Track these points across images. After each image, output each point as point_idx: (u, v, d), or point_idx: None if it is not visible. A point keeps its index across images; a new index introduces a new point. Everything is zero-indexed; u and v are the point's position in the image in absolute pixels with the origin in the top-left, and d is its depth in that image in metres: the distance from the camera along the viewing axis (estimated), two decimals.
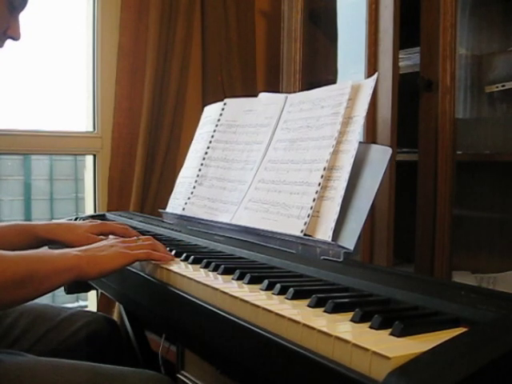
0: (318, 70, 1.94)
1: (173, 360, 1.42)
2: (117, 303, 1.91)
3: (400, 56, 1.44)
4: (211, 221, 1.20)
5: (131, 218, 1.48)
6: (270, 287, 0.74)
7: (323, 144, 1.02)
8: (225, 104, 1.35)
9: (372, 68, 1.40)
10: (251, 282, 0.77)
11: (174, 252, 0.98)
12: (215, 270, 0.85)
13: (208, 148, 1.33)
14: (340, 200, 0.93)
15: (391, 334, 0.55)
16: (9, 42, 1.01)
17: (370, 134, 1.39)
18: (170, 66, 2.07)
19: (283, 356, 0.59)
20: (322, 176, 0.98)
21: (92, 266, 0.84)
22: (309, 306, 0.66)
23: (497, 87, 1.57)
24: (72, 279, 0.84)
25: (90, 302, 2.27)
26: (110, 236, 1.12)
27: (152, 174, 2.07)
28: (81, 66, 2.11)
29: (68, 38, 2.10)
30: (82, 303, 2.82)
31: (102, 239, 1.04)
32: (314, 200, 0.97)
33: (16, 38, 1.00)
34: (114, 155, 2.04)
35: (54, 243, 1.12)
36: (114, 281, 1.07)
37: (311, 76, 1.86)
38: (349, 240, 0.90)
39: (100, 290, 1.37)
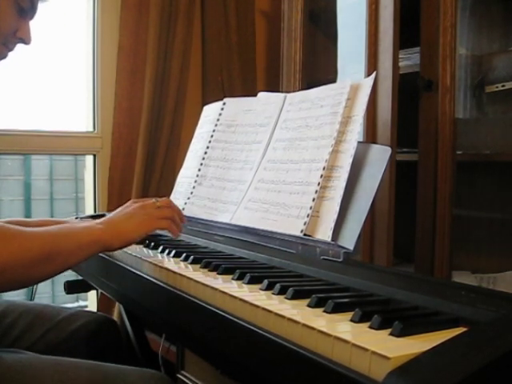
0: (318, 69, 1.94)
1: (173, 360, 1.42)
2: (117, 303, 1.91)
3: (400, 56, 1.43)
4: (211, 221, 1.20)
5: None
6: (269, 287, 0.74)
7: (322, 143, 1.02)
8: (224, 103, 1.35)
9: (372, 68, 1.40)
10: (251, 281, 0.77)
11: (174, 252, 0.98)
12: (215, 269, 0.85)
13: (207, 148, 1.33)
14: (340, 200, 0.93)
15: (391, 334, 0.55)
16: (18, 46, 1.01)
17: (370, 134, 1.39)
18: (169, 65, 2.07)
19: (283, 356, 0.59)
20: (321, 176, 0.98)
21: (116, 238, 0.89)
22: (309, 305, 0.66)
23: (497, 87, 1.57)
24: (97, 252, 0.89)
25: (89, 301, 2.27)
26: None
27: (152, 173, 2.07)
28: (81, 66, 2.11)
29: (68, 38, 2.11)
30: (82, 303, 2.81)
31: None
32: (313, 200, 0.97)
33: (26, 41, 1.00)
34: (114, 155, 2.04)
35: None
36: (113, 281, 1.07)
37: (311, 76, 1.85)
38: (349, 240, 0.90)
39: (100, 290, 1.37)
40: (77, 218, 1.46)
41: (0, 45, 0.97)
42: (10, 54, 1.01)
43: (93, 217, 1.50)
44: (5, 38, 0.97)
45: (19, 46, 1.02)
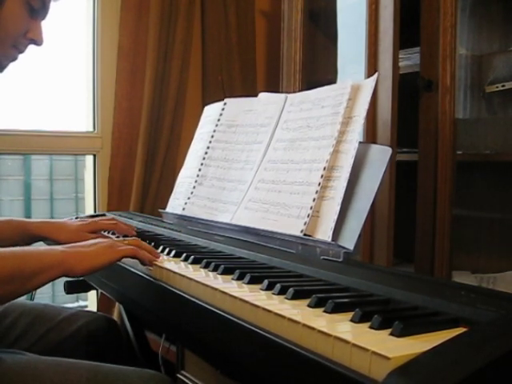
0: (318, 70, 1.94)
1: (173, 360, 1.42)
2: (117, 303, 1.91)
3: (400, 56, 1.43)
4: (211, 221, 1.20)
5: (131, 218, 1.48)
6: (269, 287, 0.74)
7: (323, 144, 1.02)
8: (225, 104, 1.35)
9: (372, 68, 1.40)
10: (251, 281, 0.77)
11: (174, 252, 0.98)
12: (215, 269, 0.85)
13: (208, 148, 1.33)
14: (340, 200, 0.93)
15: (391, 334, 0.55)
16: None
17: (370, 134, 1.39)
18: (169, 66, 2.07)
19: (283, 356, 0.59)
20: (321, 176, 0.98)
21: (79, 262, 0.84)
22: (309, 306, 0.66)
23: (497, 87, 1.57)
24: (59, 275, 0.84)
25: (89, 301, 2.27)
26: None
27: (152, 173, 2.07)
28: (81, 66, 2.11)
29: (68, 38, 2.10)
30: (82, 303, 2.82)
31: (92, 237, 1.04)
32: (313, 200, 0.97)
33: (38, 42, 0.97)
34: (114, 155, 2.04)
35: (45, 240, 1.12)
36: (114, 281, 1.07)
37: (311, 76, 1.86)
38: (349, 240, 0.90)
39: (100, 290, 1.37)
40: (77, 218, 1.46)
41: (10, 47, 0.94)
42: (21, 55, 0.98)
43: (92, 216, 1.50)
44: (15, 39, 0.94)
45: (30, 48, 0.98)
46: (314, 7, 1.89)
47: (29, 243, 1.10)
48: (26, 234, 1.11)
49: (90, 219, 1.19)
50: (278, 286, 0.72)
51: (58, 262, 0.83)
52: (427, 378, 0.46)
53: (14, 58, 0.97)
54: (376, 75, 0.99)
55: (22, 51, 0.97)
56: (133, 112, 2.05)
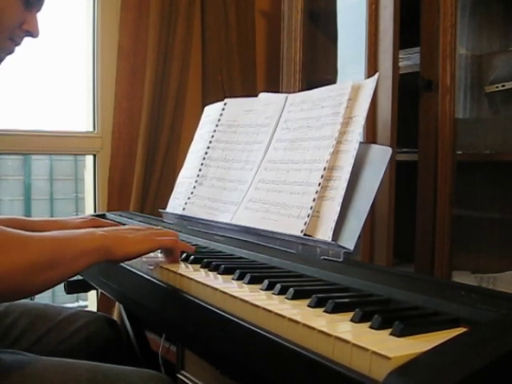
0: (318, 70, 1.94)
1: (173, 360, 1.42)
2: (117, 303, 1.91)
3: (400, 56, 1.43)
4: (211, 221, 1.20)
5: (131, 218, 1.47)
6: (270, 287, 0.74)
7: (323, 144, 1.02)
8: (225, 104, 1.35)
9: (372, 68, 1.40)
10: (251, 281, 0.77)
11: None
12: (215, 269, 0.85)
13: (208, 148, 1.33)
14: (340, 200, 0.93)
15: (391, 334, 0.55)
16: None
17: (370, 134, 1.39)
18: (169, 66, 2.07)
19: (283, 356, 0.59)
20: (322, 176, 0.98)
21: (119, 248, 0.83)
22: (309, 305, 0.66)
23: (497, 87, 1.57)
24: (100, 259, 0.82)
25: (89, 301, 2.28)
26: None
27: (152, 173, 2.07)
28: (81, 66, 2.11)
29: (68, 38, 2.10)
30: (82, 303, 2.82)
31: None
32: (314, 200, 0.97)
33: (34, 34, 0.97)
34: (114, 155, 2.04)
35: None
36: (114, 281, 1.07)
37: (311, 76, 1.86)
38: (349, 240, 0.90)
39: (100, 290, 1.37)
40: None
41: (6, 39, 0.94)
42: (17, 48, 0.97)
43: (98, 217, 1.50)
44: (10, 31, 0.93)
45: (27, 40, 0.97)
46: (314, 7, 1.89)
47: None
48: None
49: (90, 216, 1.19)
50: (278, 285, 0.72)
51: (99, 247, 0.81)
52: (427, 377, 0.46)
53: (11, 51, 0.97)
54: (377, 75, 0.99)
55: (18, 43, 0.97)
56: (133, 112, 2.05)
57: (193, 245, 1.10)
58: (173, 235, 0.93)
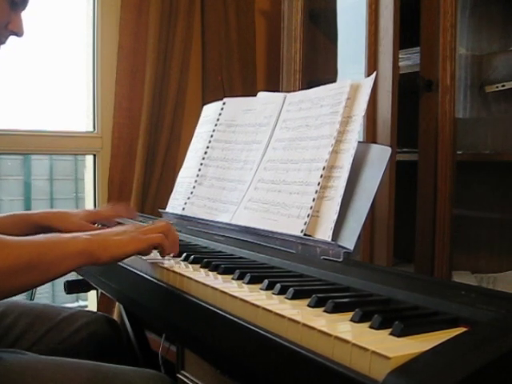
0: (318, 69, 1.94)
1: (173, 360, 1.42)
2: (117, 303, 1.91)
3: (400, 56, 1.43)
4: (211, 221, 1.20)
5: (131, 218, 1.47)
6: (269, 287, 0.74)
7: (322, 143, 1.02)
8: (224, 103, 1.35)
9: (372, 68, 1.40)
10: (251, 281, 0.77)
11: None
12: (215, 269, 0.85)
13: (207, 148, 1.33)
14: (340, 200, 0.93)
15: (391, 333, 0.55)
16: (11, 40, 1.00)
17: (370, 134, 1.39)
18: (169, 66, 2.07)
19: (283, 356, 0.59)
20: (321, 176, 0.98)
21: (103, 250, 0.82)
22: (309, 305, 0.66)
23: (497, 87, 1.57)
24: (82, 264, 0.82)
25: (89, 301, 2.27)
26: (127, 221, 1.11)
27: (152, 173, 2.07)
28: (81, 66, 2.11)
29: (68, 38, 2.10)
30: (82, 303, 2.81)
31: (96, 228, 1.03)
32: (313, 200, 0.97)
33: (19, 33, 0.99)
34: (114, 155, 2.04)
35: (49, 231, 1.12)
36: (114, 281, 1.07)
37: (311, 76, 1.86)
38: (349, 240, 0.90)
39: (100, 290, 1.37)
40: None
41: None
42: (8, 53, 1.00)
43: None
44: None
45: (19, 46, 1.01)
46: (314, 7, 1.89)
47: (34, 234, 1.10)
48: (30, 226, 1.12)
49: (95, 209, 1.19)
50: (278, 285, 0.72)
51: (82, 250, 0.81)
52: (427, 377, 0.46)
53: None
54: (374, 74, 0.99)
55: (3, 42, 0.99)
56: (133, 112, 2.05)
57: (193, 245, 1.11)
58: (161, 228, 0.90)
